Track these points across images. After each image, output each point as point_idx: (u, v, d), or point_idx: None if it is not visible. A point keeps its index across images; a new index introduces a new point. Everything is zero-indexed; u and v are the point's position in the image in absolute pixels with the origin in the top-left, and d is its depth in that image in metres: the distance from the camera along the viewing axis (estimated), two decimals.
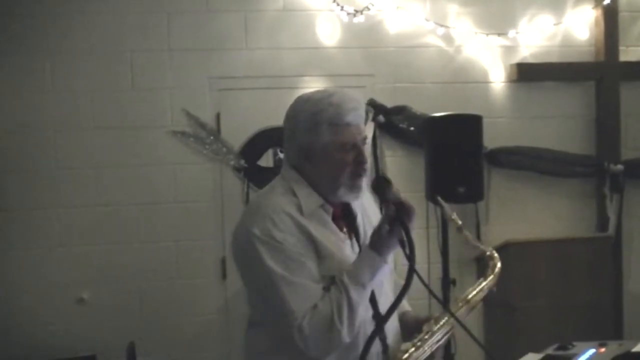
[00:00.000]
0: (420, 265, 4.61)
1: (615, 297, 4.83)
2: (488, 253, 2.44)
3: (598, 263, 4.70)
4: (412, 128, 4.74)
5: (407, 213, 2.03)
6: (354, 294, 2.07)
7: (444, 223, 4.46)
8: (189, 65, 4.57)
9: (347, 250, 2.20)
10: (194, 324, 4.54)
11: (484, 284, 2.39)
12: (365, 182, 2.24)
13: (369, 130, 4.65)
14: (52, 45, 4.42)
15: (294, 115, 2.20)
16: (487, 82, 4.91)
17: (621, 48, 4.99)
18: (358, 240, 2.24)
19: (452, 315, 2.22)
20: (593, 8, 4.96)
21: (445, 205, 2.52)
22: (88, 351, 4.27)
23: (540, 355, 2.68)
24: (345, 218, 2.26)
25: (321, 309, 2.08)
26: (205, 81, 4.58)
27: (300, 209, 2.15)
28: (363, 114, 2.20)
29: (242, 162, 4.55)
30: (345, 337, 2.08)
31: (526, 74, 4.88)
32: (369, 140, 4.59)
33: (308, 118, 2.14)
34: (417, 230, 4.57)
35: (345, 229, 2.25)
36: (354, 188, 2.19)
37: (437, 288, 4.33)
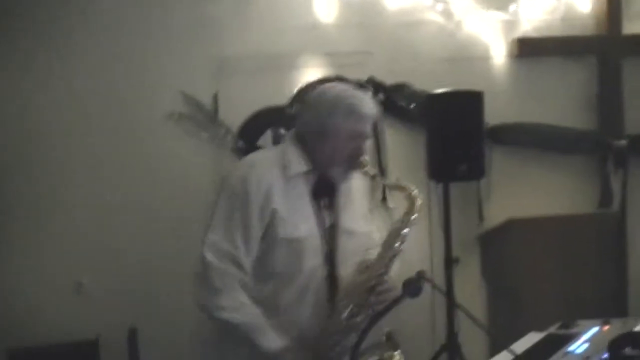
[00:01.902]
0: (423, 244, 4.59)
1: (620, 274, 4.78)
2: (411, 192, 2.54)
3: (603, 239, 4.65)
4: (412, 106, 4.67)
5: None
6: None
7: (446, 201, 4.41)
8: (186, 45, 4.49)
9: (312, 220, 2.47)
10: (195, 309, 4.49)
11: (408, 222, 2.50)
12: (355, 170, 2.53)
13: None
14: (45, 22, 4.33)
15: (319, 94, 2.53)
16: (488, 57, 4.83)
17: (624, 21, 4.90)
18: (333, 216, 2.52)
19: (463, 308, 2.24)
20: None
21: None
22: (89, 336, 4.22)
23: (543, 334, 2.64)
24: (328, 192, 2.53)
25: (228, 272, 2.40)
26: (203, 61, 4.50)
27: (284, 170, 2.45)
28: (373, 119, 2.54)
29: (241, 143, 4.50)
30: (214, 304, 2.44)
31: (527, 49, 4.79)
32: None
33: (331, 99, 2.47)
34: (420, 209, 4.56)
35: (324, 202, 2.52)
36: (345, 172, 2.50)
37: (440, 267, 4.30)
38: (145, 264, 4.46)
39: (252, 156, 2.62)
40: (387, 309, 2.22)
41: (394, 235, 2.48)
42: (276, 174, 2.45)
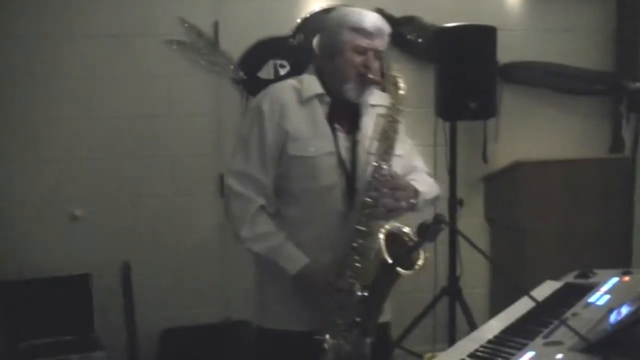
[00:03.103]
0: None
1: (627, 221, 4.66)
2: (397, 80, 2.52)
3: (612, 185, 4.52)
4: (421, 40, 4.48)
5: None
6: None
7: (453, 141, 4.27)
8: None
9: (328, 141, 2.49)
10: (190, 242, 4.39)
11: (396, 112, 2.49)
12: (370, 92, 2.56)
13: None
14: None
15: (328, 18, 2.62)
16: None
17: None
18: (355, 136, 2.54)
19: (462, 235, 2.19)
20: None
21: None
22: (82, 270, 4.12)
23: (560, 284, 2.52)
24: (348, 115, 2.56)
25: (251, 207, 2.47)
26: None
27: (299, 94, 2.54)
28: (384, 36, 2.52)
29: (241, 73, 4.32)
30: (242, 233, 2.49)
31: None
32: None
33: (335, 20, 2.55)
34: (425, 147, 4.42)
35: (342, 124, 2.54)
36: (358, 89, 2.51)
37: (444, 208, 4.18)
38: (139, 196, 4.34)
39: (272, 85, 2.67)
40: (408, 251, 2.17)
41: (386, 124, 2.46)
42: (291, 97, 2.54)
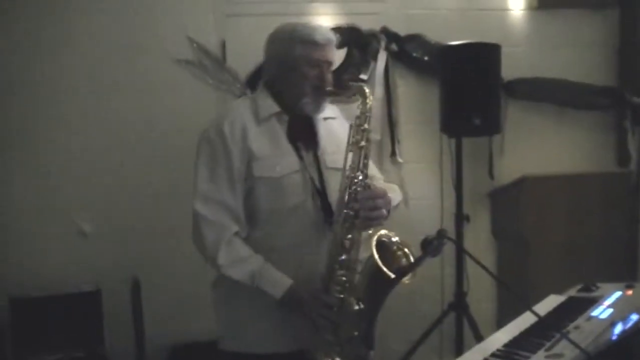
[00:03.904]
0: (433, 200, 4.50)
1: (634, 236, 4.68)
2: (363, 88, 2.53)
3: (619, 199, 4.54)
4: (426, 57, 4.51)
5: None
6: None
7: (459, 157, 4.30)
8: None
9: (291, 159, 2.50)
10: (199, 257, 4.41)
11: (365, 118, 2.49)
12: (326, 105, 2.60)
13: (380, 59, 4.46)
14: None
15: (275, 34, 2.60)
16: (505, 9, 4.67)
17: None
18: (315, 154, 2.56)
19: (468, 253, 2.27)
20: None
21: None
22: (92, 286, 4.13)
23: (563, 298, 2.55)
24: (306, 133, 2.57)
25: (223, 234, 2.44)
26: (210, 6, 4.34)
27: (256, 115, 2.53)
28: (333, 47, 2.58)
29: (248, 92, 4.37)
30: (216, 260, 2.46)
31: (547, 0, 4.63)
32: (380, 72, 4.42)
33: (285, 36, 2.55)
34: (431, 163, 4.47)
35: (301, 142, 2.55)
36: (315, 103, 2.54)
37: (450, 224, 4.21)
38: (147, 211, 4.34)
39: (225, 109, 2.74)
40: (410, 268, 2.17)
41: (357, 133, 2.46)
42: (249, 118, 2.52)
